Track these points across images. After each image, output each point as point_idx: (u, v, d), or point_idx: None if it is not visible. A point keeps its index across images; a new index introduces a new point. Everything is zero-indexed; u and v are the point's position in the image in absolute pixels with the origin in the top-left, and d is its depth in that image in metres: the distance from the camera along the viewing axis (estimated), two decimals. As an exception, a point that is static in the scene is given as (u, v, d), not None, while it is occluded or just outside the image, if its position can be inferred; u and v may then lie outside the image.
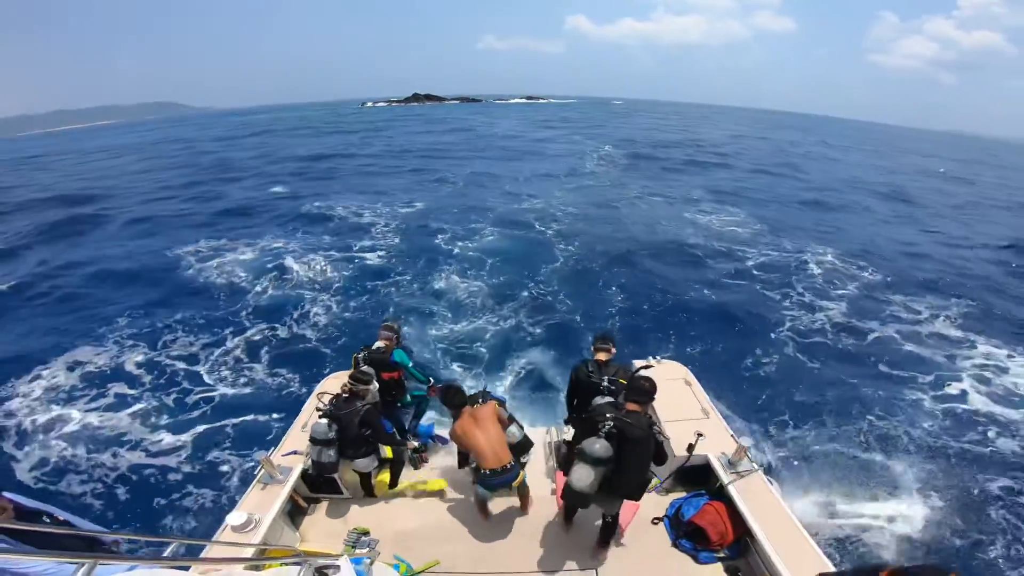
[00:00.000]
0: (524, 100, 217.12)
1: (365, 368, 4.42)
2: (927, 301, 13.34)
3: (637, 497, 3.41)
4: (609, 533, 3.82)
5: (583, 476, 3.13)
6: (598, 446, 3.13)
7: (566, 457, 4.99)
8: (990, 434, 8.24)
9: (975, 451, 7.78)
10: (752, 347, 10.64)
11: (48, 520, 2.77)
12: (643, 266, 14.90)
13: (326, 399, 4.27)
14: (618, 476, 3.21)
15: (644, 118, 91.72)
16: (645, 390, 3.36)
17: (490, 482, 3.82)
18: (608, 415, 3.26)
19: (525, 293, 12.94)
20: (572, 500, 3.39)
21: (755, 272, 14.95)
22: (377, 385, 4.40)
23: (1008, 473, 7.29)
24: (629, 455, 3.19)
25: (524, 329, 11.20)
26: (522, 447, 4.25)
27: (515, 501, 4.40)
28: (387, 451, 4.56)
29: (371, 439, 4.22)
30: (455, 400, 3.87)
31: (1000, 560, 5.98)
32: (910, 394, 9.31)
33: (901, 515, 6.44)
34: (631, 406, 3.35)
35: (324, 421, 4.02)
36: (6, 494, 2.68)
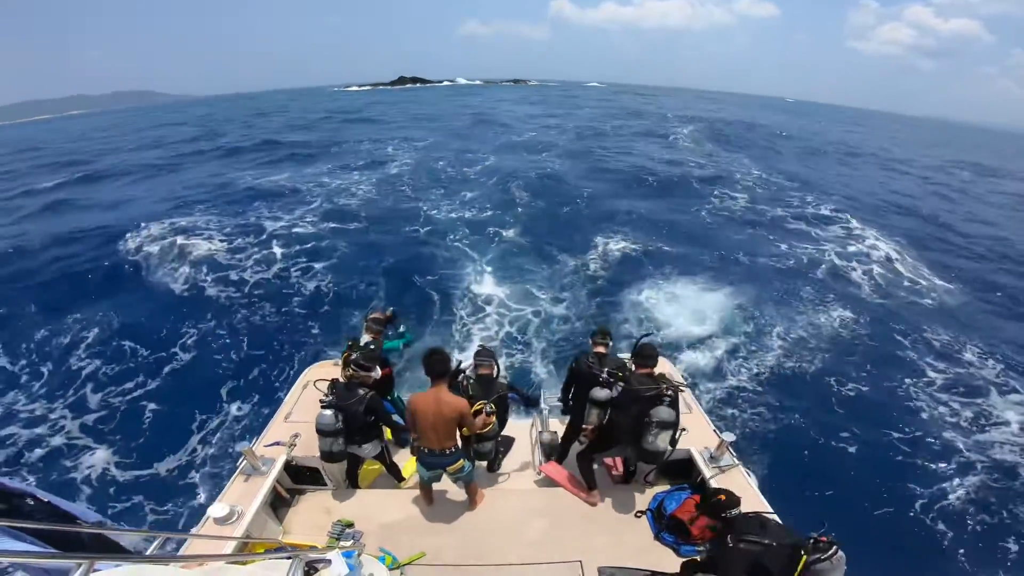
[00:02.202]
0: (511, 83, 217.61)
1: (366, 354, 4.32)
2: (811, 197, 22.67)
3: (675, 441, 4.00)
4: (632, 474, 4.59)
5: (672, 413, 3.79)
6: (666, 412, 3.76)
7: (559, 448, 5.09)
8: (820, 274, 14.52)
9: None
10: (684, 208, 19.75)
11: (31, 502, 2.69)
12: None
13: (323, 386, 4.16)
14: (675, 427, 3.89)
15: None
16: (651, 354, 4.02)
17: (426, 460, 3.85)
18: (662, 387, 3.84)
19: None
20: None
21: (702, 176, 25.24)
22: (379, 372, 4.32)
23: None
24: (677, 412, 3.90)
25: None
26: (481, 455, 4.37)
27: (497, 492, 4.43)
28: (387, 432, 4.51)
29: (377, 424, 4.19)
30: (436, 368, 3.64)
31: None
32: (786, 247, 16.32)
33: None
34: (642, 370, 3.98)
35: (328, 412, 3.91)
36: None
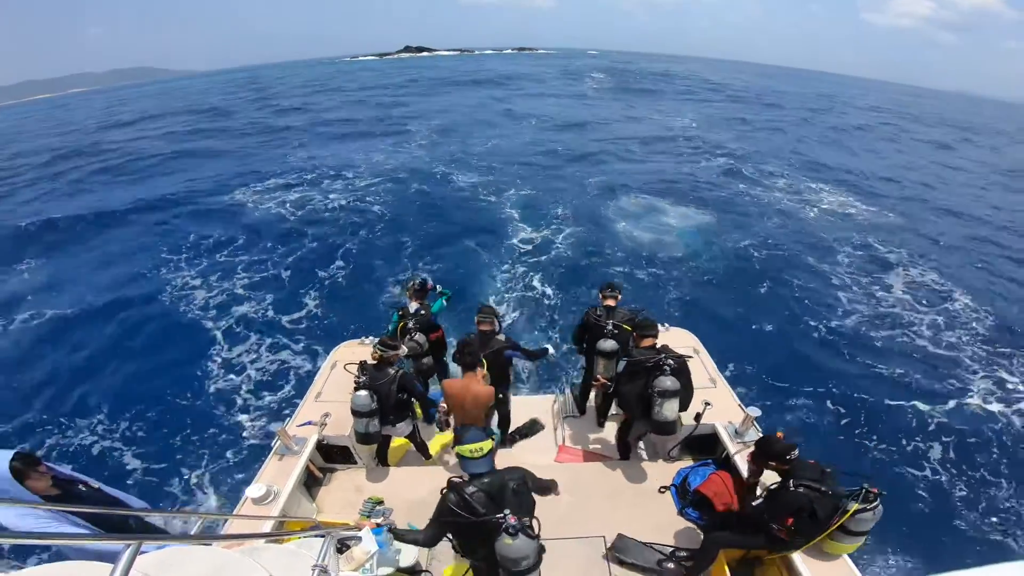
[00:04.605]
0: (516, 50, 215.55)
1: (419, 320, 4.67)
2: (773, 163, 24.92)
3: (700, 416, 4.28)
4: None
5: (676, 382, 3.80)
6: (669, 382, 3.78)
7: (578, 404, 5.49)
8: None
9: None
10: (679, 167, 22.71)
11: (84, 489, 2.81)
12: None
13: (352, 368, 4.25)
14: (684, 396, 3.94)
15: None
16: (649, 325, 4.14)
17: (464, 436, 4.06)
18: (662, 357, 3.88)
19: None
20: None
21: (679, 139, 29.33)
22: (405, 350, 4.45)
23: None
24: (687, 381, 3.94)
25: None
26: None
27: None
28: (418, 411, 4.63)
29: (408, 402, 4.32)
30: (465, 359, 3.93)
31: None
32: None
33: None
34: (645, 342, 4.06)
35: (364, 393, 4.00)
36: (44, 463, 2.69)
